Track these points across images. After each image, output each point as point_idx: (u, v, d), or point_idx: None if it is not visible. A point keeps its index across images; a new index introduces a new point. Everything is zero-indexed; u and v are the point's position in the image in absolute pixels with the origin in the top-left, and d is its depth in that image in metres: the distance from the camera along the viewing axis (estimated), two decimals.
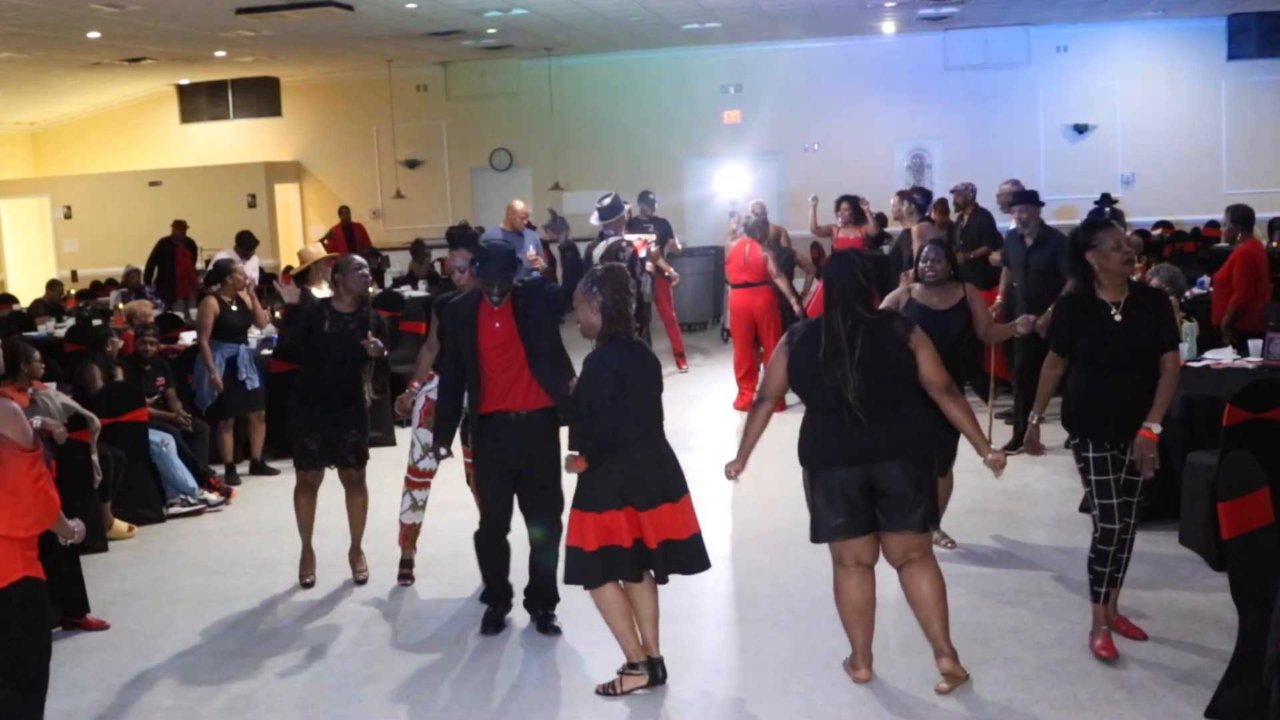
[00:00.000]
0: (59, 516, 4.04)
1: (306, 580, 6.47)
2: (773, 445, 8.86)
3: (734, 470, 4.88)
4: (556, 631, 5.57)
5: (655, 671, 4.86)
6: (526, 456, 5.44)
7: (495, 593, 5.75)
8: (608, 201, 9.42)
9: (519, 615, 5.78)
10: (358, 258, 6.57)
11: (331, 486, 6.54)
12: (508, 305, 5.45)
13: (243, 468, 9.09)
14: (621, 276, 4.81)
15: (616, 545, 4.68)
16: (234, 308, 8.92)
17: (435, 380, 6.09)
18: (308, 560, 6.52)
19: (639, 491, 4.67)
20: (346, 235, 16.92)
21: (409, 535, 6.44)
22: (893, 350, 4.58)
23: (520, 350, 5.38)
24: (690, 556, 4.79)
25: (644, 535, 4.69)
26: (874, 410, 4.51)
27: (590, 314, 4.74)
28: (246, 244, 13.00)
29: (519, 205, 10.63)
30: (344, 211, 17.45)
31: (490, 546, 5.64)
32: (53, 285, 14.72)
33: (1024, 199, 8.50)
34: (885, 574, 4.86)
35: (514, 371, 5.40)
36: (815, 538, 4.77)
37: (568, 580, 4.86)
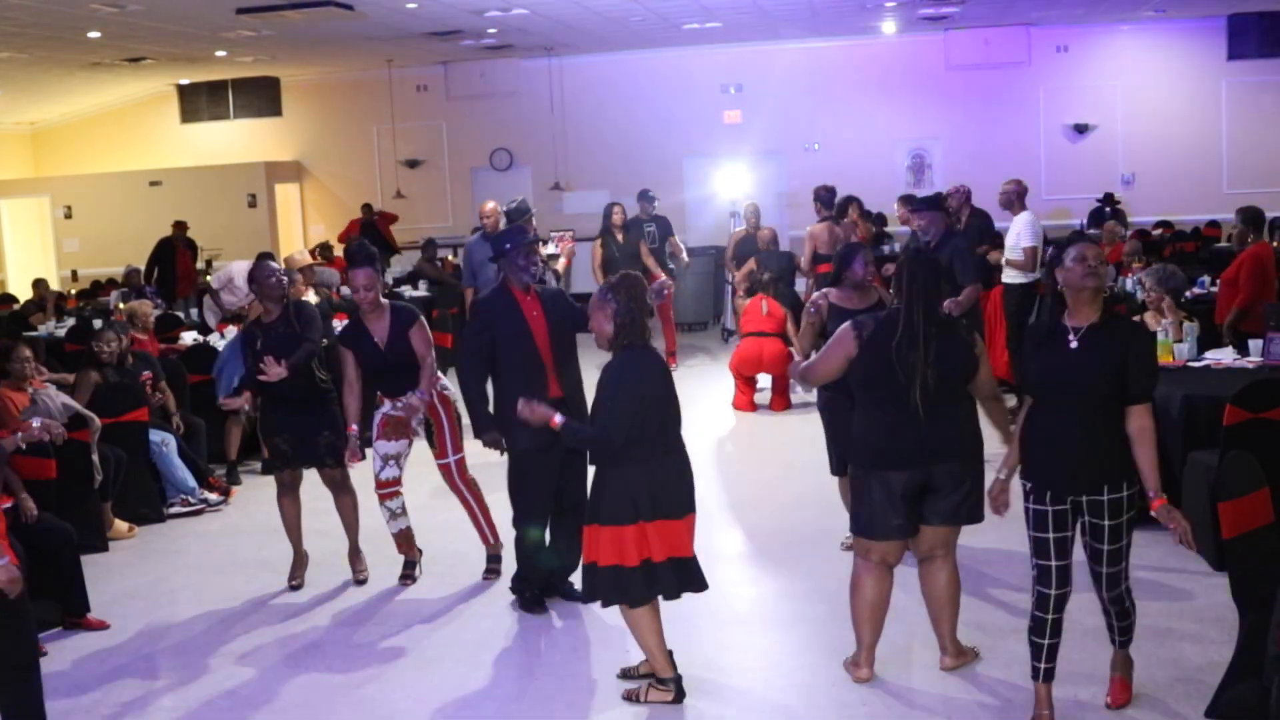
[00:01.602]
0: None
1: (294, 583, 6.47)
2: (772, 446, 8.92)
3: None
4: (580, 596, 5.68)
5: (678, 688, 4.81)
6: (569, 454, 5.56)
7: (529, 571, 5.90)
8: (513, 205, 9.41)
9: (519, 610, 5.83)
10: (272, 264, 6.52)
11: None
12: (535, 296, 5.70)
13: (253, 465, 9.09)
14: (635, 284, 4.74)
15: (623, 565, 4.60)
16: None
17: (400, 403, 6.20)
18: (297, 563, 6.54)
19: (651, 502, 4.58)
20: (366, 233, 16.83)
21: (402, 541, 6.44)
22: (962, 353, 4.63)
23: (548, 344, 5.65)
24: (697, 574, 4.74)
25: (651, 552, 4.59)
26: (936, 409, 4.53)
27: (604, 322, 4.68)
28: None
29: (488, 206, 9.99)
30: (365, 209, 17.42)
31: (531, 521, 5.78)
32: (38, 284, 14.76)
33: (926, 204, 8.42)
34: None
35: (557, 359, 5.64)
36: (870, 534, 4.72)
37: (587, 599, 4.78)
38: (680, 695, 4.77)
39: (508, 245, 5.77)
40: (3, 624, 3.91)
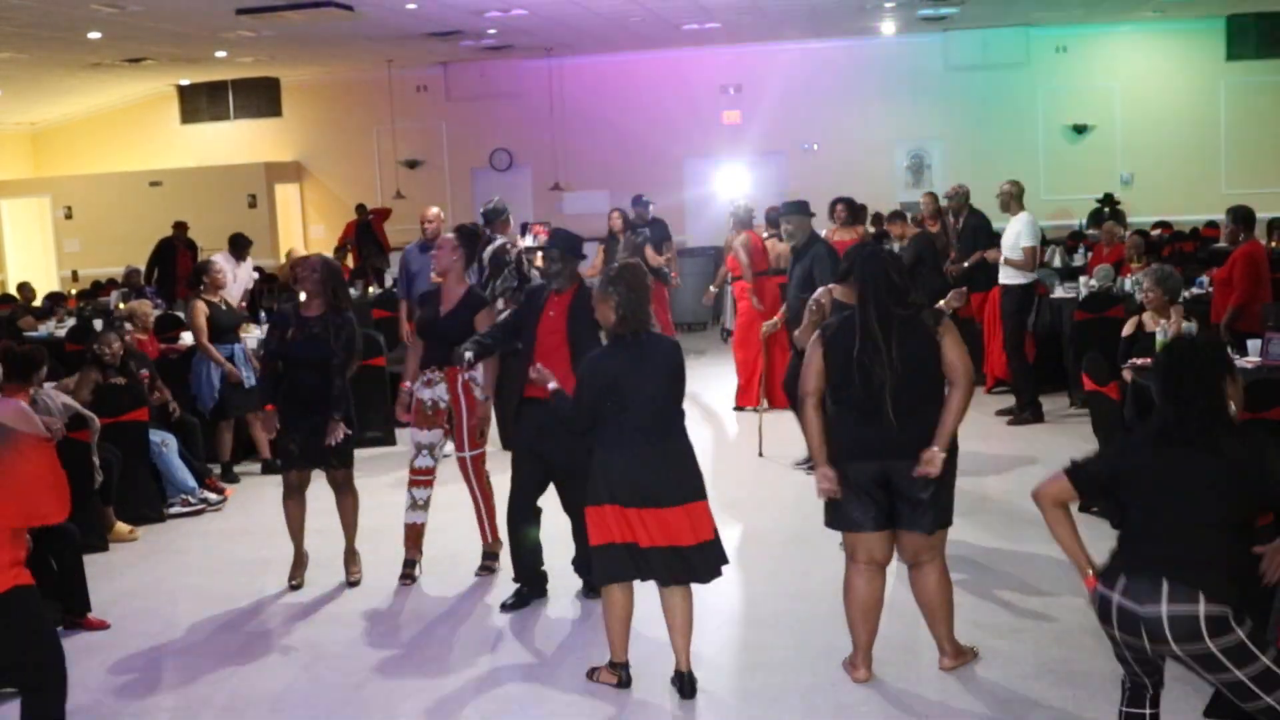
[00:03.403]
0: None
1: (294, 583, 6.48)
2: (771, 445, 8.90)
3: (828, 481, 4.72)
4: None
5: (682, 685, 4.83)
6: (560, 448, 5.58)
7: (518, 570, 5.98)
8: (491, 206, 9.38)
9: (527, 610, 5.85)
10: (321, 258, 6.53)
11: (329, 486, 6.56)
12: (568, 297, 5.71)
13: (252, 466, 9.11)
14: (635, 275, 4.85)
15: (612, 542, 4.71)
16: (223, 307, 9.00)
17: (425, 376, 6.38)
18: (298, 563, 6.54)
19: (628, 490, 4.67)
20: (363, 233, 16.83)
21: (410, 536, 6.46)
22: (926, 344, 4.61)
23: (563, 343, 5.61)
24: (695, 563, 4.73)
25: (636, 536, 4.68)
26: (903, 407, 4.54)
27: (608, 312, 4.80)
28: (239, 246, 13.02)
29: (429, 211, 9.66)
30: (359, 209, 17.41)
31: (514, 521, 5.90)
32: (23, 287, 14.77)
33: (791, 209, 8.42)
34: (889, 574, 4.88)
35: (554, 363, 5.56)
36: (831, 524, 4.82)
37: (583, 574, 4.99)
38: (625, 682, 4.90)
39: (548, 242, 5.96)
40: (11, 644, 3.91)
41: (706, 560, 4.76)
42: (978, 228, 10.79)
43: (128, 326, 8.86)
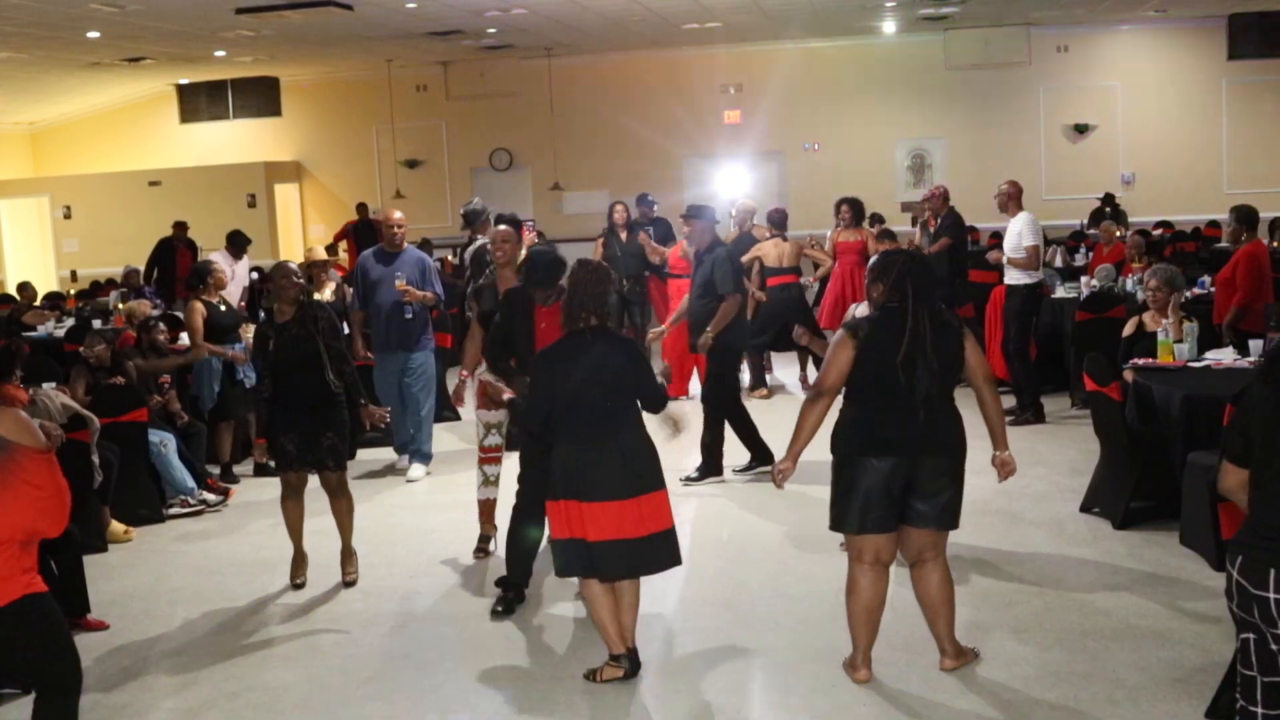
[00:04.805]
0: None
1: (298, 581, 6.47)
2: (771, 443, 8.88)
3: (783, 473, 4.71)
4: None
5: (629, 663, 4.94)
6: None
7: (509, 573, 5.94)
8: (470, 207, 9.34)
9: (522, 610, 5.83)
10: (291, 265, 6.56)
11: None
12: (557, 308, 5.65)
13: (246, 467, 9.10)
14: (584, 270, 4.95)
15: (575, 538, 4.78)
16: (221, 308, 8.99)
17: (483, 366, 6.46)
18: (299, 562, 6.53)
19: (583, 485, 4.74)
20: (363, 233, 16.78)
21: (484, 511, 6.68)
22: (955, 346, 4.66)
23: None
24: (645, 556, 4.82)
25: (585, 530, 4.74)
26: (933, 404, 4.59)
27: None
28: (237, 244, 13.05)
29: (394, 215, 9.35)
30: (360, 209, 17.35)
31: (516, 523, 5.90)
32: (23, 287, 14.77)
33: (694, 213, 8.32)
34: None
35: None
36: (841, 526, 4.76)
37: (559, 572, 4.99)
38: (633, 670, 4.91)
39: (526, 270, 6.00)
40: (25, 650, 3.90)
41: (658, 551, 4.83)
42: (951, 225, 10.96)
43: (162, 326, 8.87)
